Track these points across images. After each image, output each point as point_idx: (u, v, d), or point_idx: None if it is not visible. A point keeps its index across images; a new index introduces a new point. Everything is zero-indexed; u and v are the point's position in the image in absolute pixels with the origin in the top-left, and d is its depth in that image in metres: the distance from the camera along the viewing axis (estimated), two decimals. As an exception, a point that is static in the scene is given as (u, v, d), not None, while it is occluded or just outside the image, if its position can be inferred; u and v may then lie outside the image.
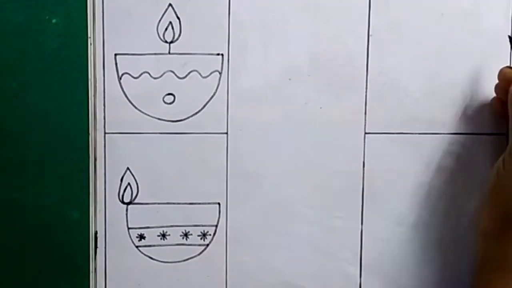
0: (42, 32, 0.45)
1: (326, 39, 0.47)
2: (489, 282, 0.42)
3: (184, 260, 0.49)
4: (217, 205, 0.48)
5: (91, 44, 0.46)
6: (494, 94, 0.47)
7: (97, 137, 0.47)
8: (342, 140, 0.48)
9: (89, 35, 0.46)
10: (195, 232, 0.48)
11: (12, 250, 0.47)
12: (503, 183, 0.41)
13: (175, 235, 0.48)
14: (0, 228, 0.47)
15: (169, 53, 0.46)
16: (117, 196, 0.48)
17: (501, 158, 0.43)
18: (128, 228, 0.48)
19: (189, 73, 0.47)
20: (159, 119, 0.47)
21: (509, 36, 0.47)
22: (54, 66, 0.46)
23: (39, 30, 0.45)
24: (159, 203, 0.48)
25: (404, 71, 0.48)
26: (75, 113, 0.46)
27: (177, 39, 0.46)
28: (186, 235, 0.48)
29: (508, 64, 0.48)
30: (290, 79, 0.47)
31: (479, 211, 0.45)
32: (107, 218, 0.48)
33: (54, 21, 0.45)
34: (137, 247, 0.48)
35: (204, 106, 0.47)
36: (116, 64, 0.46)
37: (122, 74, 0.46)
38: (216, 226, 0.48)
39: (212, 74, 0.47)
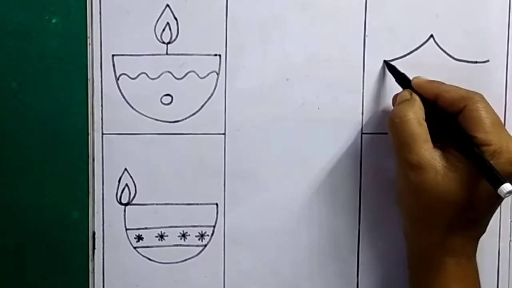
0: (42, 32, 0.46)
1: (323, 39, 0.47)
2: (422, 279, 0.44)
3: (182, 261, 0.49)
4: (215, 206, 0.48)
5: (89, 44, 0.46)
6: (488, 94, 0.47)
7: (94, 137, 0.47)
8: (339, 140, 0.48)
9: (88, 35, 0.46)
10: (193, 232, 0.48)
11: (11, 249, 0.47)
12: (401, 193, 0.45)
13: (173, 236, 0.48)
14: (0, 227, 0.47)
15: (167, 53, 0.47)
16: (115, 197, 0.48)
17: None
18: (126, 229, 0.48)
19: (186, 73, 0.47)
20: (156, 119, 0.47)
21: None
22: (54, 66, 0.46)
23: (39, 30, 0.46)
24: (157, 204, 0.48)
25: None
26: (74, 113, 0.47)
27: (174, 39, 0.47)
28: (184, 235, 0.48)
29: (505, 64, 0.48)
30: (287, 80, 0.47)
31: (398, 211, 0.47)
32: (105, 219, 0.48)
33: (54, 21, 0.46)
34: (135, 248, 0.48)
35: (202, 106, 0.47)
36: (113, 65, 0.47)
37: (120, 75, 0.47)
38: (214, 226, 0.48)
39: (210, 75, 0.47)
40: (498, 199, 0.42)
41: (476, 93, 0.43)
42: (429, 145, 0.42)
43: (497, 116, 0.42)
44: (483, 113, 0.42)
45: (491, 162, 0.40)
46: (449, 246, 0.43)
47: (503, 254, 0.50)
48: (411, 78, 0.46)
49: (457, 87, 0.44)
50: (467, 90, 0.44)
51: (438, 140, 0.43)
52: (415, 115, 0.42)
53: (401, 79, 0.46)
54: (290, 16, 0.47)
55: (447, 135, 0.43)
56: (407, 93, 0.44)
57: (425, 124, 0.43)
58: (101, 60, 0.46)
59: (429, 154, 0.41)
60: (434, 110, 0.43)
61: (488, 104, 0.43)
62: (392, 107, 0.47)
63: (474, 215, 0.42)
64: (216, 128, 0.48)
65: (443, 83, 0.45)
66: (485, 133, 0.41)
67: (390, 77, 0.47)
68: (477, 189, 0.41)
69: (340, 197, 0.48)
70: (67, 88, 0.46)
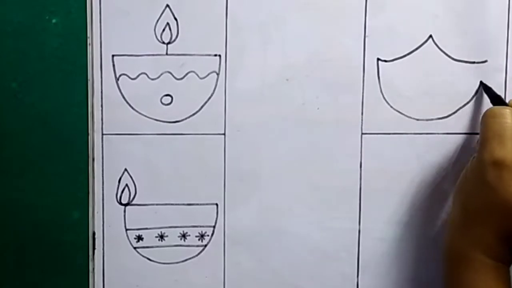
0: (42, 32, 0.46)
1: (323, 40, 0.47)
2: (454, 273, 0.44)
3: (182, 261, 0.49)
4: (215, 206, 0.48)
5: (89, 44, 0.46)
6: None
7: (94, 138, 0.47)
8: (339, 140, 0.48)
9: (88, 35, 0.46)
10: (193, 233, 0.48)
11: (12, 249, 0.47)
12: (466, 184, 0.45)
13: (173, 236, 0.48)
14: (0, 227, 0.47)
15: (167, 54, 0.47)
16: (115, 197, 0.48)
17: (469, 163, 0.45)
18: (126, 229, 0.48)
19: (186, 74, 0.47)
20: (156, 120, 0.47)
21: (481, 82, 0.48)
22: (54, 66, 0.46)
23: (39, 30, 0.46)
24: (157, 204, 0.48)
25: (400, 71, 0.48)
26: (74, 113, 0.47)
27: (174, 40, 0.47)
28: (184, 236, 0.48)
29: (504, 64, 0.48)
30: (287, 80, 0.48)
31: (451, 206, 0.47)
32: (105, 219, 0.48)
33: (54, 21, 0.46)
34: (135, 248, 0.48)
35: (202, 107, 0.47)
36: (113, 65, 0.47)
37: (120, 75, 0.47)
38: (214, 226, 0.48)
39: (210, 75, 0.47)
40: None
41: None
42: None
43: None
44: None
45: None
46: (495, 250, 0.43)
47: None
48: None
49: None
50: None
51: None
52: None
53: (495, 99, 0.47)
54: (290, 16, 0.47)
55: None
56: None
57: None
58: (101, 60, 0.46)
59: None
60: None
61: None
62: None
63: None
64: (216, 128, 0.48)
65: None
66: None
67: (390, 77, 0.48)
68: None
69: (340, 197, 0.49)
70: (67, 88, 0.46)
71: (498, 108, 0.44)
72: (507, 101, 0.47)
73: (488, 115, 0.44)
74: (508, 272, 0.44)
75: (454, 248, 0.45)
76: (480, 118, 0.45)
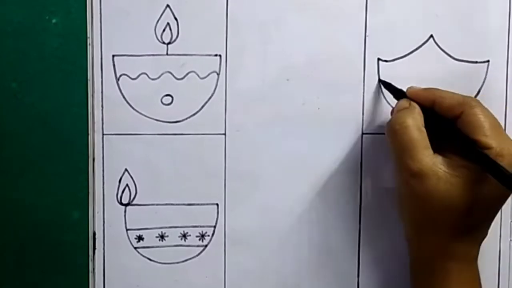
0: (42, 32, 0.46)
1: (323, 39, 0.47)
2: (423, 285, 0.44)
3: (183, 261, 0.49)
4: (216, 206, 0.48)
5: (89, 44, 0.46)
6: (488, 95, 0.48)
7: (95, 138, 0.47)
8: (340, 140, 0.48)
9: (88, 35, 0.46)
10: (194, 233, 0.48)
11: (12, 249, 0.47)
12: (401, 200, 0.45)
13: (173, 236, 0.48)
14: (0, 227, 0.47)
15: (167, 54, 0.47)
16: (115, 197, 0.48)
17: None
18: (127, 229, 0.48)
19: (187, 74, 0.47)
20: (157, 120, 0.47)
21: None
22: (54, 66, 0.46)
23: (39, 30, 0.46)
24: (157, 204, 0.48)
25: (400, 71, 0.48)
26: (74, 113, 0.47)
27: (174, 40, 0.47)
28: (184, 236, 0.48)
29: (505, 64, 0.48)
30: (287, 80, 0.47)
31: (400, 217, 0.46)
32: (106, 219, 0.48)
33: (54, 21, 0.46)
34: (135, 248, 0.48)
35: (202, 107, 0.47)
36: (113, 65, 0.47)
37: (120, 75, 0.47)
38: (215, 227, 0.48)
39: (210, 75, 0.47)
40: (501, 201, 0.42)
41: (472, 98, 0.44)
42: (430, 151, 0.42)
43: (496, 119, 0.42)
44: (481, 117, 0.42)
45: None
46: (452, 251, 0.43)
47: (503, 255, 0.50)
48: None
49: (452, 92, 0.44)
50: (463, 95, 0.44)
51: (437, 147, 0.43)
52: (414, 121, 0.42)
53: (397, 93, 0.46)
54: (290, 16, 0.47)
55: (447, 141, 0.43)
56: (405, 102, 0.44)
57: (424, 130, 0.43)
58: (101, 60, 0.46)
59: (430, 160, 0.41)
60: (433, 116, 0.43)
61: (485, 108, 0.43)
62: (389, 117, 0.47)
63: (477, 220, 0.42)
64: (217, 128, 0.48)
65: (438, 89, 0.45)
66: (485, 136, 0.41)
67: (389, 77, 0.48)
68: (480, 193, 0.41)
69: (340, 197, 0.48)
70: (67, 88, 0.46)
71: (397, 119, 0.43)
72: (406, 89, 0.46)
73: (390, 132, 0.44)
74: (474, 271, 0.44)
75: (419, 262, 0.45)
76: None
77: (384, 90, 0.48)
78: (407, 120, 0.42)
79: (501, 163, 0.40)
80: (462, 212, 0.41)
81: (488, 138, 0.41)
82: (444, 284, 0.43)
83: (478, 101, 0.43)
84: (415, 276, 0.45)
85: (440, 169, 0.41)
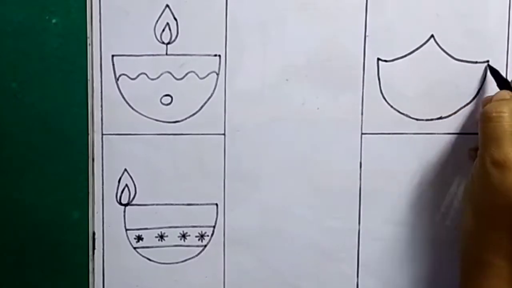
0: (42, 32, 0.46)
1: (323, 39, 0.47)
2: (470, 278, 0.44)
3: (182, 261, 0.49)
4: (215, 206, 0.48)
5: (89, 44, 0.46)
6: (487, 94, 0.47)
7: (94, 138, 0.47)
8: (339, 141, 0.48)
9: (88, 35, 0.46)
10: (193, 233, 0.48)
11: (12, 249, 0.47)
12: (473, 189, 0.44)
13: (173, 236, 0.48)
14: (0, 227, 0.47)
15: (166, 54, 0.47)
16: (114, 198, 0.48)
17: (473, 167, 0.45)
18: (126, 230, 0.48)
19: (186, 74, 0.47)
20: (156, 120, 0.47)
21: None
22: (54, 66, 0.46)
23: (39, 30, 0.46)
24: (156, 204, 0.48)
25: (400, 71, 0.48)
26: (74, 113, 0.47)
27: (174, 40, 0.47)
28: (184, 236, 0.48)
29: (505, 64, 0.48)
30: (287, 80, 0.47)
31: (462, 211, 0.46)
32: (105, 219, 0.48)
33: (54, 21, 0.46)
34: (135, 248, 0.48)
35: (202, 107, 0.47)
36: (113, 65, 0.47)
37: (119, 75, 0.47)
38: (214, 227, 0.48)
39: (210, 75, 0.47)
40: None
41: None
42: None
43: None
44: None
45: None
46: (510, 251, 0.42)
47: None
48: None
49: None
50: None
51: None
52: (510, 113, 0.42)
53: (502, 82, 0.46)
54: (290, 16, 0.47)
55: None
56: (506, 93, 0.44)
57: None
58: (101, 61, 0.46)
59: None
60: None
61: None
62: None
63: None
64: (216, 128, 0.48)
65: None
66: None
67: (389, 77, 0.48)
68: None
69: (340, 197, 0.48)
70: (67, 88, 0.46)
71: (493, 107, 0.43)
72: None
73: (484, 117, 0.43)
74: None
75: (470, 255, 0.44)
76: (476, 120, 0.45)
77: (384, 90, 0.48)
78: (504, 109, 0.42)
79: None
80: None
81: None
82: (495, 284, 0.42)
83: None
84: (465, 271, 0.45)
85: None
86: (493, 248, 0.42)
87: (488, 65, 0.48)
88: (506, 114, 0.42)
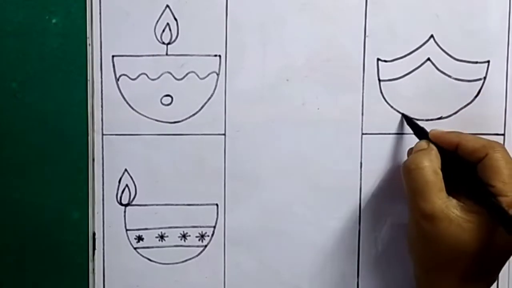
0: (42, 32, 0.46)
1: (323, 40, 0.47)
2: None
3: (182, 262, 0.49)
4: (215, 206, 0.48)
5: (89, 44, 0.46)
6: (487, 94, 0.47)
7: (94, 138, 0.47)
8: (339, 141, 0.48)
9: (88, 36, 0.46)
10: (193, 233, 0.48)
11: (12, 249, 0.47)
12: (412, 241, 0.44)
13: (173, 237, 0.48)
14: (0, 227, 0.47)
15: (167, 54, 0.47)
16: (115, 198, 0.48)
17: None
18: (126, 230, 0.48)
19: (186, 74, 0.47)
20: (156, 120, 0.47)
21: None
22: (54, 66, 0.46)
23: (39, 30, 0.46)
24: (157, 205, 0.48)
25: (400, 71, 0.48)
26: (74, 113, 0.47)
27: (174, 40, 0.47)
28: (184, 236, 0.48)
29: (505, 64, 0.48)
30: (287, 80, 0.47)
31: (410, 256, 0.46)
32: (105, 220, 0.48)
33: (54, 21, 0.46)
34: (135, 248, 0.48)
35: (202, 107, 0.47)
36: (113, 65, 0.47)
37: (120, 76, 0.47)
38: (214, 227, 0.48)
39: (210, 75, 0.47)
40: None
41: (498, 142, 0.43)
42: (443, 194, 0.42)
43: None
44: (502, 163, 0.41)
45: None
46: None
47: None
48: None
49: (476, 136, 0.44)
50: (487, 139, 0.43)
51: (453, 190, 0.42)
52: (431, 163, 0.42)
53: (419, 131, 0.46)
54: (290, 16, 0.47)
55: (464, 185, 0.42)
56: (424, 143, 0.45)
57: (440, 173, 0.42)
58: (101, 61, 0.46)
59: (443, 203, 0.41)
60: (452, 159, 0.43)
61: (509, 154, 0.42)
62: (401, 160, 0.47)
63: (488, 265, 0.42)
64: (216, 128, 0.48)
65: (462, 133, 0.45)
66: (503, 183, 0.41)
67: (389, 77, 0.48)
68: (492, 239, 0.41)
69: (340, 197, 0.48)
70: (67, 88, 0.46)
71: (413, 159, 0.43)
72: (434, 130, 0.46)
73: (405, 172, 0.43)
74: None
75: None
76: (476, 120, 0.45)
77: (384, 90, 0.48)
78: (423, 161, 0.42)
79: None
80: (471, 257, 0.41)
81: (506, 185, 0.41)
82: None
83: (503, 147, 0.43)
84: None
85: (453, 212, 0.41)
86: None
87: (403, 114, 0.48)
88: (426, 165, 0.42)
